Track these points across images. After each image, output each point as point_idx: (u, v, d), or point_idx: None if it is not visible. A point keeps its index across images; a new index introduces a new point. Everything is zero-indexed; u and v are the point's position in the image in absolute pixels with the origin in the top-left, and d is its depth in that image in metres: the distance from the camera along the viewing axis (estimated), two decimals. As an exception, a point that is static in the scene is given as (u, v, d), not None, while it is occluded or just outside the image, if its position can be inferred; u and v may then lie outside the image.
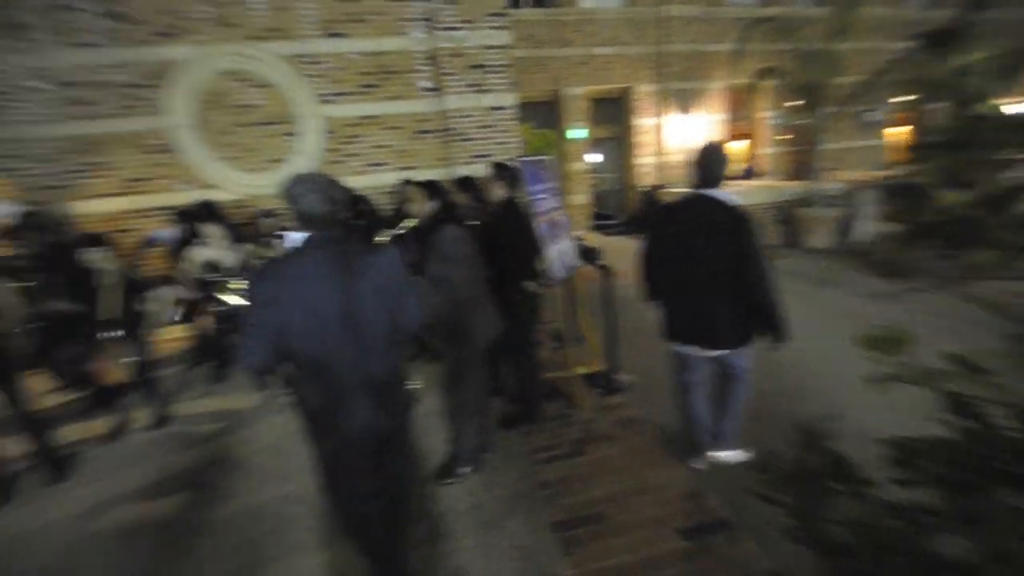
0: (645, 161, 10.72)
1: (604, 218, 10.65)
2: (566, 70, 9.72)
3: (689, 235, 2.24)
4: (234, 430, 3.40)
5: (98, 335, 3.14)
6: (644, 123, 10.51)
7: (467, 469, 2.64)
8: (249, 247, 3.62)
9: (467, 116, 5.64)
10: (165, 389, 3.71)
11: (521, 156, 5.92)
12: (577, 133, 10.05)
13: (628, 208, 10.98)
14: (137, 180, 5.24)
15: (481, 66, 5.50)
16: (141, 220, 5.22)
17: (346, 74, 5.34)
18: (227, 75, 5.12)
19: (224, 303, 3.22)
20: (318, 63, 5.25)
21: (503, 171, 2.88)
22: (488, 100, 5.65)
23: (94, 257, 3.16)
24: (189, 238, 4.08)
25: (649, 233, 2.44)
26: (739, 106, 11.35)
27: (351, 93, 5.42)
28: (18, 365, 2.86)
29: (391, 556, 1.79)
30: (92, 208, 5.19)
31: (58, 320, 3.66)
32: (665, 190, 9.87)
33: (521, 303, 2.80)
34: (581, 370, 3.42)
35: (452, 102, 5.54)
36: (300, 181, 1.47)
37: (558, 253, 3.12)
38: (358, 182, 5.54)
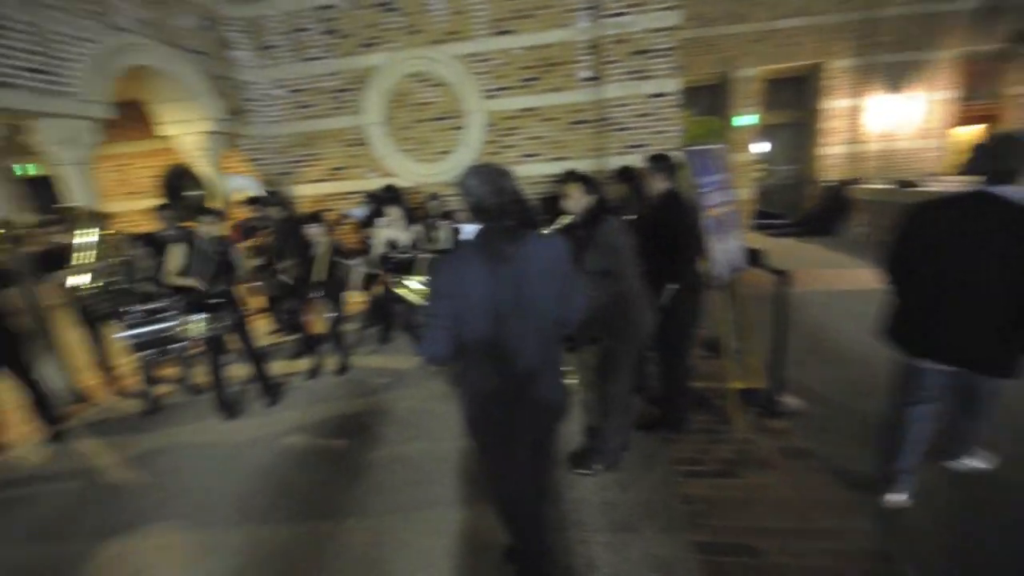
0: (833, 151, 9.07)
1: (769, 216, 9.35)
2: (738, 48, 8.70)
3: (964, 239, 1.83)
4: (396, 387, 3.92)
5: (310, 294, 3.89)
6: (835, 106, 8.88)
7: (600, 466, 2.60)
8: (419, 227, 4.09)
9: (625, 104, 5.46)
10: (347, 343, 4.43)
11: (682, 145, 5.53)
12: (745, 119, 8.97)
13: (803, 206, 9.46)
14: (338, 169, 6.31)
15: (645, 51, 5.24)
16: (340, 202, 6.28)
17: (509, 69, 5.61)
18: (411, 77, 5.80)
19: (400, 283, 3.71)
20: (486, 60, 5.60)
21: (663, 162, 2.70)
22: (649, 87, 5.37)
23: (313, 231, 3.89)
24: (374, 217, 4.79)
25: (901, 234, 2.05)
26: (979, 81, 8.82)
27: (512, 87, 5.68)
28: (244, 312, 3.69)
29: (539, 535, 1.85)
30: (305, 191, 6.43)
31: (284, 279, 4.65)
32: (860, 185, 8.22)
33: (681, 302, 2.62)
34: (738, 385, 3.07)
35: (611, 91, 5.41)
36: (472, 174, 1.50)
37: (723, 252, 2.83)
38: (518, 172, 5.82)
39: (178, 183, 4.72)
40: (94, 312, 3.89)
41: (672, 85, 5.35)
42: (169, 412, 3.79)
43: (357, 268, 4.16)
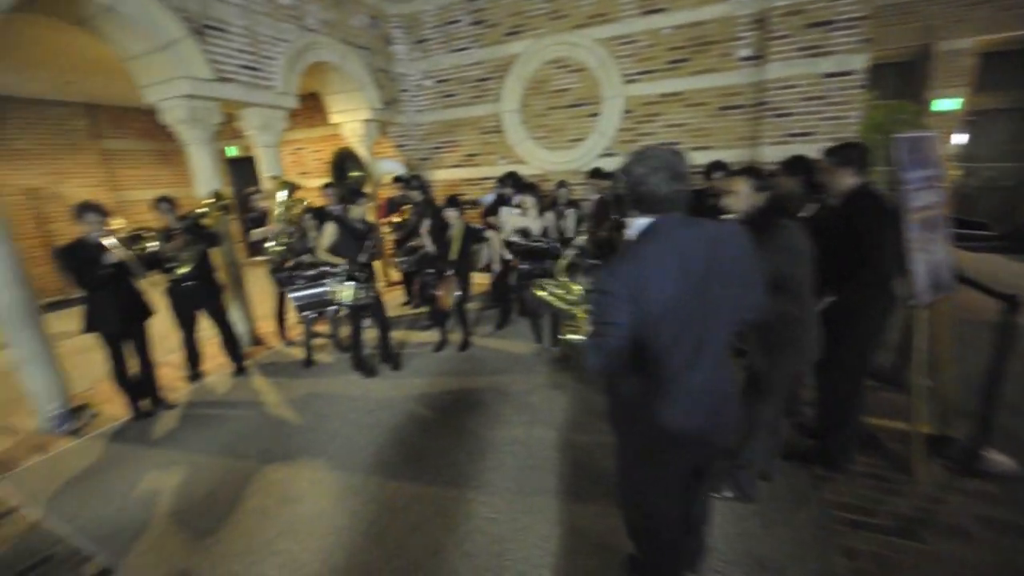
0: (1076, 144, 6.94)
1: (967, 225, 7.51)
2: (946, 15, 7.04)
3: None
4: (513, 370, 3.98)
5: (444, 272, 4.12)
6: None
7: (731, 493, 2.31)
8: (549, 215, 4.06)
9: (790, 87, 4.76)
10: (470, 320, 4.62)
11: (862, 135, 4.67)
12: (946, 104, 7.27)
13: (1018, 214, 7.43)
14: (472, 155, 6.59)
15: (826, 23, 4.48)
16: (471, 187, 6.58)
17: (656, 51, 5.24)
18: (550, 63, 5.76)
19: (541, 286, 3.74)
20: (631, 42, 5.32)
21: (853, 151, 2.25)
22: (825, 65, 4.60)
23: (451, 214, 4.11)
24: (499, 204, 4.90)
25: None
26: None
27: (656, 71, 5.31)
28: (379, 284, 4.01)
29: (673, 561, 1.72)
30: (442, 176, 6.85)
31: (424, 255, 5.01)
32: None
33: (864, 319, 2.19)
34: (926, 428, 2.50)
35: (774, 71, 4.75)
36: (641, 159, 1.32)
37: (928, 265, 2.29)
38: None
39: (343, 165, 5.32)
40: (275, 270, 4.62)
41: (858, 62, 4.50)
42: (322, 365, 4.36)
43: (481, 250, 4.31)
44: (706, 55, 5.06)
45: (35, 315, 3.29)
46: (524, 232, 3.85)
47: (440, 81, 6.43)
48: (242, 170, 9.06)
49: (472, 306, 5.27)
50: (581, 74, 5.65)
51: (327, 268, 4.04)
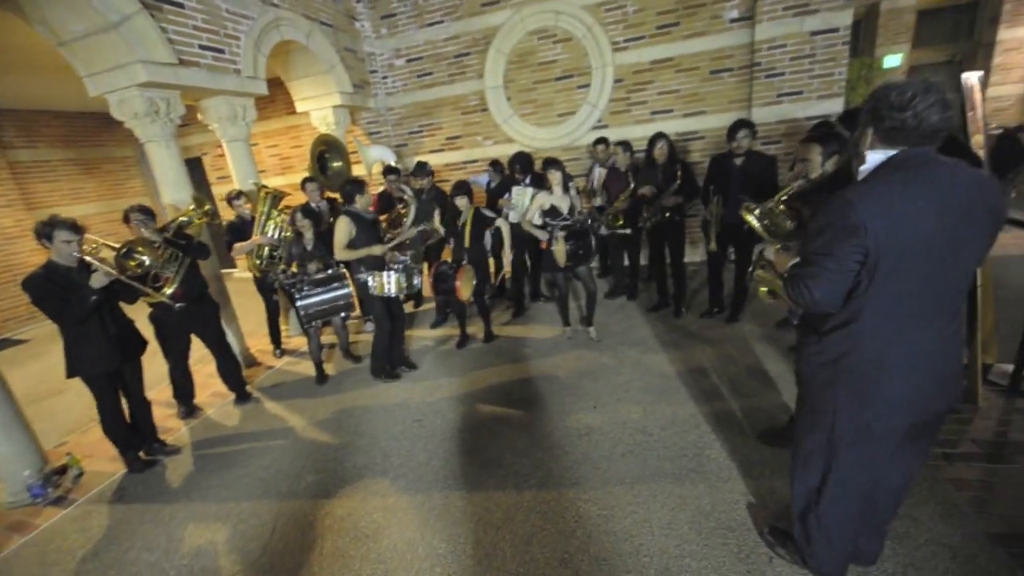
0: (1004, 92, 7.63)
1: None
2: (889, -24, 7.44)
3: None
4: (546, 355, 3.80)
5: (461, 262, 3.83)
6: (1013, 37, 7.40)
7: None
8: (574, 191, 3.85)
9: (780, 46, 4.80)
10: (490, 311, 4.34)
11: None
12: (893, 60, 7.74)
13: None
14: (454, 138, 6.21)
15: (813, -21, 4.53)
16: (455, 173, 6.22)
17: (645, 16, 5.11)
18: (533, 33, 5.48)
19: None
20: (619, 7, 5.14)
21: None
22: (812, 23, 4.66)
23: (461, 202, 3.80)
24: (510, 183, 4.62)
25: None
26: None
27: (645, 37, 5.19)
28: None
29: (844, 546, 1.61)
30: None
31: (429, 247, 4.66)
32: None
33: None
34: (991, 359, 2.60)
35: (764, 31, 4.77)
36: (904, 86, 1.14)
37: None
38: (638, 132, 5.40)
39: (324, 156, 4.81)
40: (265, 281, 4.12)
41: (843, 19, 4.60)
42: (333, 377, 3.95)
43: (490, 238, 4.08)
44: (695, 18, 4.99)
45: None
46: (553, 210, 3.62)
47: (412, 60, 5.97)
48: (193, 172, 8.07)
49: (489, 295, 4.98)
50: (567, 44, 5.42)
51: (332, 271, 3.64)
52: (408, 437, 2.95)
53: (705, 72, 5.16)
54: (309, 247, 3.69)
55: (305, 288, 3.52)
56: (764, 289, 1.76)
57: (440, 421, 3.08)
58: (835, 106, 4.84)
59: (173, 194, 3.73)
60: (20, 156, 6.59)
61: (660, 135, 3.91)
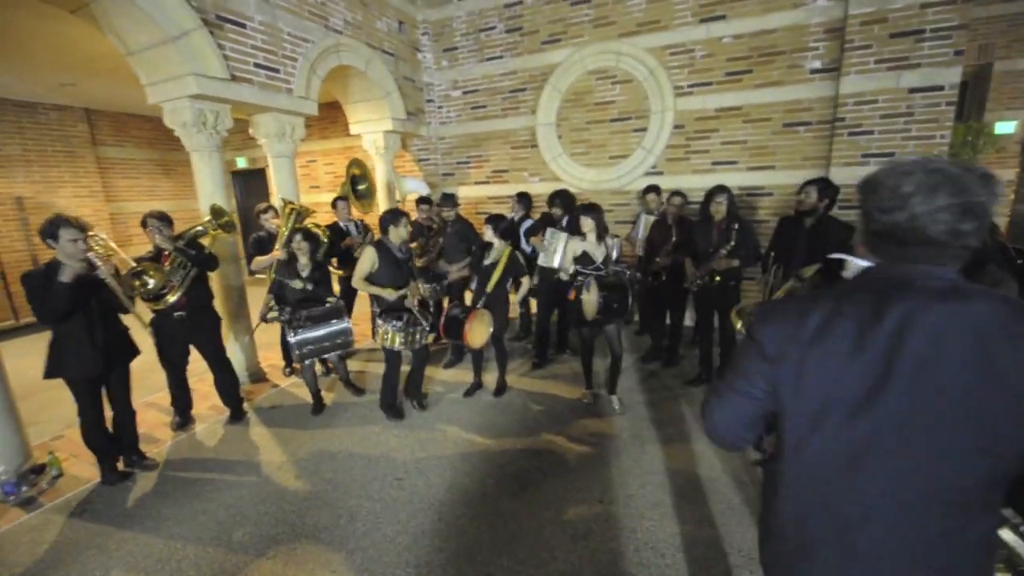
0: None
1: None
2: (1007, 34, 6.63)
3: None
4: (563, 420, 3.34)
5: (475, 304, 3.53)
6: None
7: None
8: (610, 240, 3.48)
9: (869, 102, 4.24)
10: (506, 362, 3.95)
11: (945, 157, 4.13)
12: (1006, 126, 6.80)
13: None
14: (500, 171, 6.07)
15: (915, 32, 3.99)
16: (497, 206, 6.03)
17: (713, 62, 4.76)
18: (592, 74, 5.28)
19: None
20: (686, 52, 4.83)
21: None
22: (911, 79, 4.09)
23: (489, 234, 3.53)
24: (545, 224, 4.32)
25: None
26: None
27: (712, 83, 4.82)
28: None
29: None
30: (464, 193, 6.31)
31: (451, 283, 4.41)
32: None
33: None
34: None
35: (851, 84, 4.25)
36: (907, 170, 0.77)
37: None
38: (696, 182, 4.97)
39: (355, 177, 4.77)
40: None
41: (949, 76, 4.00)
42: (332, 407, 3.71)
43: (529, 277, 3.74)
44: (770, 66, 4.57)
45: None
46: (585, 257, 3.25)
47: (468, 92, 5.96)
48: (251, 183, 8.56)
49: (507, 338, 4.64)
50: (626, 86, 5.16)
51: (334, 305, 3.45)
52: (382, 499, 2.60)
53: (777, 124, 4.67)
54: (305, 273, 3.51)
55: (297, 321, 3.31)
56: None
57: (422, 484, 2.70)
58: (934, 173, 4.17)
59: (208, 202, 3.75)
60: (108, 153, 7.25)
61: (721, 188, 3.46)
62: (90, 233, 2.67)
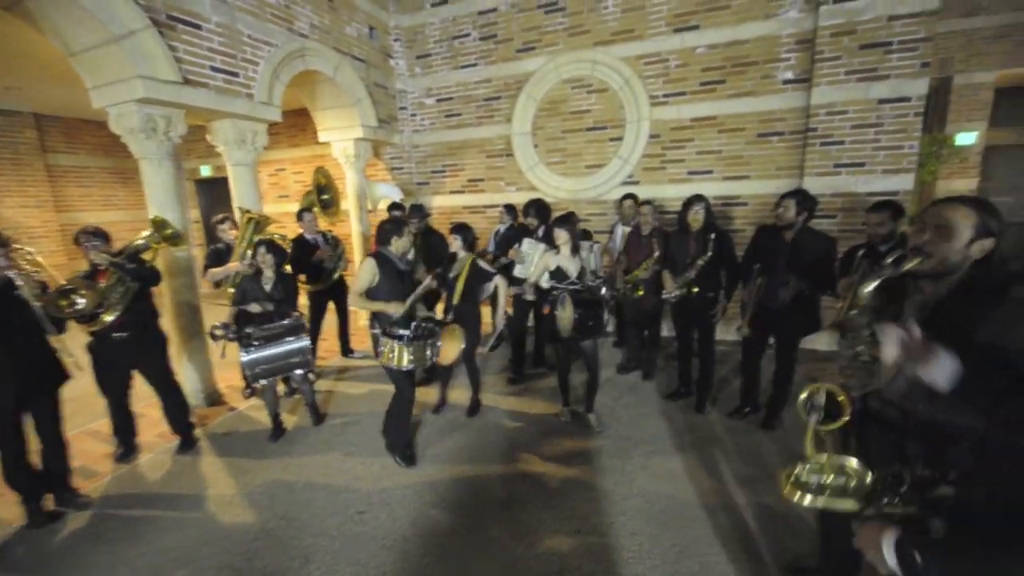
0: (1104, 184, 6.71)
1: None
2: (966, 48, 6.87)
3: None
4: (540, 444, 3.18)
5: (447, 317, 3.35)
6: (1114, 123, 6.56)
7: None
8: (585, 253, 3.36)
9: (840, 112, 4.28)
10: (479, 378, 3.77)
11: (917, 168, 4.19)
12: (967, 138, 7.02)
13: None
14: (476, 180, 5.93)
15: (884, 44, 4.04)
16: (473, 216, 5.88)
17: (687, 71, 4.75)
18: (568, 82, 5.22)
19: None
20: (661, 61, 4.81)
21: None
22: (880, 90, 4.14)
23: (456, 244, 3.37)
24: (520, 235, 4.19)
25: None
26: None
27: (687, 93, 4.80)
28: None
29: None
30: (439, 203, 6.15)
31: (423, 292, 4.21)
32: None
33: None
34: None
35: (822, 95, 4.27)
36: None
37: None
38: (671, 192, 4.93)
39: (320, 186, 4.57)
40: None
41: (916, 88, 4.06)
42: (292, 433, 3.46)
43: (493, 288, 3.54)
44: (744, 76, 4.58)
45: None
46: (560, 272, 3.12)
47: (442, 100, 5.83)
48: (217, 192, 8.19)
49: (480, 350, 4.46)
50: (602, 95, 5.11)
51: (292, 322, 3.22)
52: (342, 536, 2.38)
53: (751, 134, 4.68)
54: (268, 286, 3.29)
55: (248, 339, 3.06)
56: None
57: (385, 518, 2.50)
58: (904, 182, 4.22)
59: (160, 214, 3.49)
60: (60, 160, 6.83)
61: (698, 198, 3.36)
62: (15, 247, 2.42)
